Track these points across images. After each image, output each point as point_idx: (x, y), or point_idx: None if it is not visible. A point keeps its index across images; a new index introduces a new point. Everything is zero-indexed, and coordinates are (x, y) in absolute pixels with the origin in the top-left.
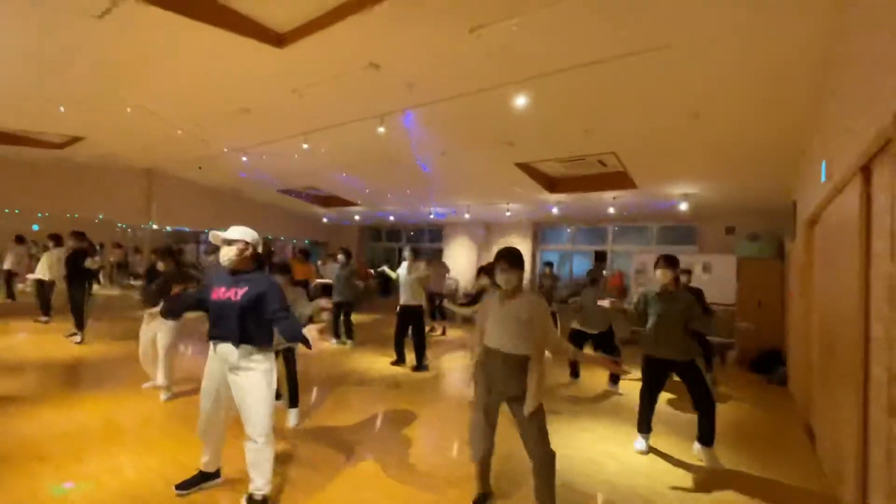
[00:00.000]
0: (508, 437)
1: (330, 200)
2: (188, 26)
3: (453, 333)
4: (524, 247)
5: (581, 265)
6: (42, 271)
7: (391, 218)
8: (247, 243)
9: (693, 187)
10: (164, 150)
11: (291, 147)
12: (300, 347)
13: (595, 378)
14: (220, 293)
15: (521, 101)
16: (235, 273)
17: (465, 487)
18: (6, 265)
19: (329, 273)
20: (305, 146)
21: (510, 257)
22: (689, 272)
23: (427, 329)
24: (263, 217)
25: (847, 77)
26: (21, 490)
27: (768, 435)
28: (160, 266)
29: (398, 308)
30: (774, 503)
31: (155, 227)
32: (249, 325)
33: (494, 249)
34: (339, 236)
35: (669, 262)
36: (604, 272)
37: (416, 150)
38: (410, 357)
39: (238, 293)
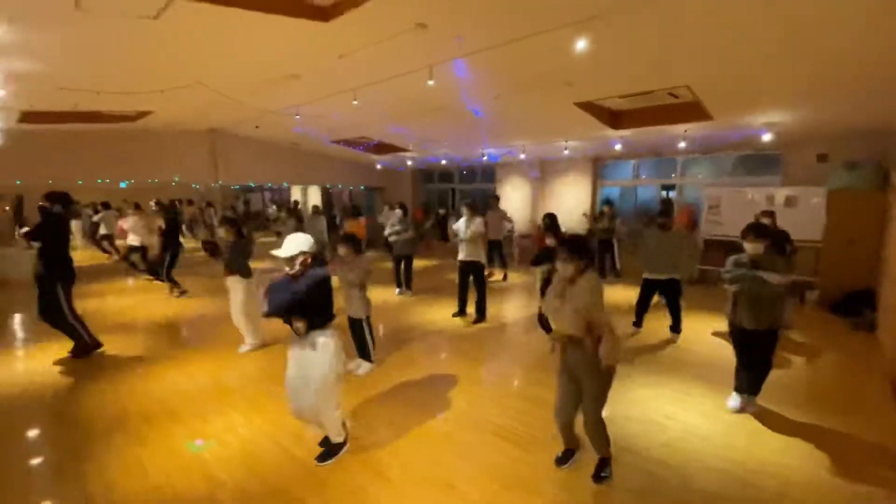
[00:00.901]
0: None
1: (382, 148)
2: (236, 15)
3: (515, 278)
4: (584, 183)
5: (647, 193)
6: (133, 239)
7: (443, 161)
8: (304, 252)
9: (780, 115)
10: (224, 114)
11: (342, 104)
12: None
13: (657, 326)
14: None
15: (581, 43)
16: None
17: (532, 450)
18: (103, 230)
19: (389, 220)
20: (355, 102)
21: (571, 245)
22: (772, 214)
23: (486, 275)
24: (320, 167)
25: None
26: (163, 447)
27: (849, 387)
28: (221, 233)
29: (458, 263)
30: (846, 464)
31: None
32: (312, 314)
33: (550, 189)
34: (393, 181)
35: (759, 233)
36: (671, 213)
37: (467, 97)
38: (471, 309)
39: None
